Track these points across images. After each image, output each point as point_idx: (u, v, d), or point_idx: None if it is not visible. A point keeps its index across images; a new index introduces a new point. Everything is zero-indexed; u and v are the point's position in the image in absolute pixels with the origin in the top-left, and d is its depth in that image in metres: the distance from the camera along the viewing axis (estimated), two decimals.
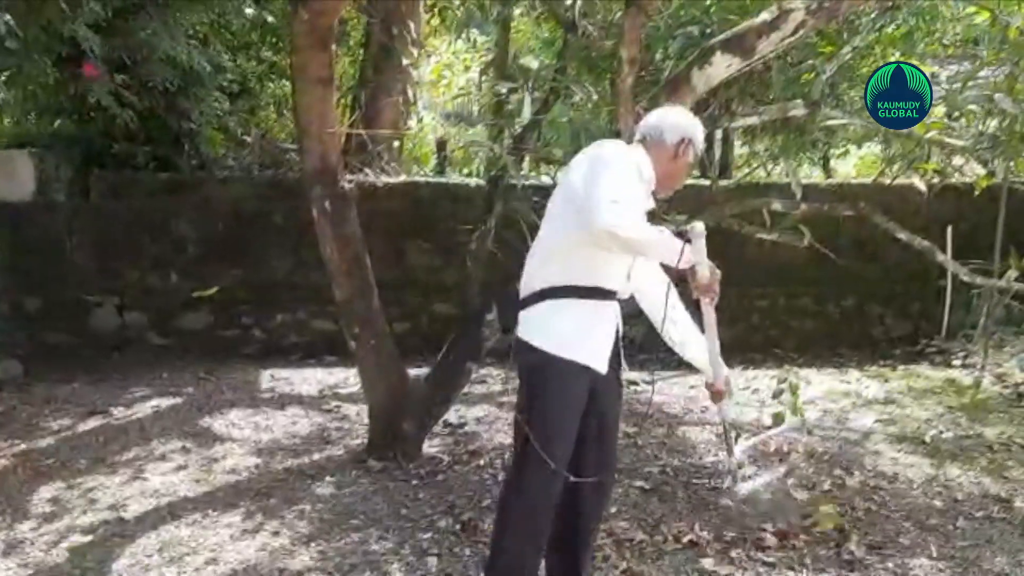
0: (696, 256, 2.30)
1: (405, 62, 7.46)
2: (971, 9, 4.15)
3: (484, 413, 4.98)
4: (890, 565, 3.12)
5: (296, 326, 6.52)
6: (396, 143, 7.69)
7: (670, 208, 4.35)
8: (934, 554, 3.22)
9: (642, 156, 2.48)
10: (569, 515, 2.63)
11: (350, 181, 4.06)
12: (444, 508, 3.61)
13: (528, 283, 2.51)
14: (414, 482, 3.89)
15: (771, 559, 3.16)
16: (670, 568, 3.09)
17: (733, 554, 3.20)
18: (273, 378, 5.77)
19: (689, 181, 7.49)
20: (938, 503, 3.72)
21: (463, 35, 9.24)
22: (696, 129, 2.58)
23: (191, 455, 4.24)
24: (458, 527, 3.40)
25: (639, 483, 3.89)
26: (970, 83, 4.14)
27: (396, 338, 4.20)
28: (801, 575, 3.05)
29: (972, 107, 4.16)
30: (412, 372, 4.28)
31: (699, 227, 2.28)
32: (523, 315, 2.50)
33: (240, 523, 3.45)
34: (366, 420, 4.30)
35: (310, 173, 3.85)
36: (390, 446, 4.09)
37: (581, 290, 2.44)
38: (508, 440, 4.46)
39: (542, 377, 2.45)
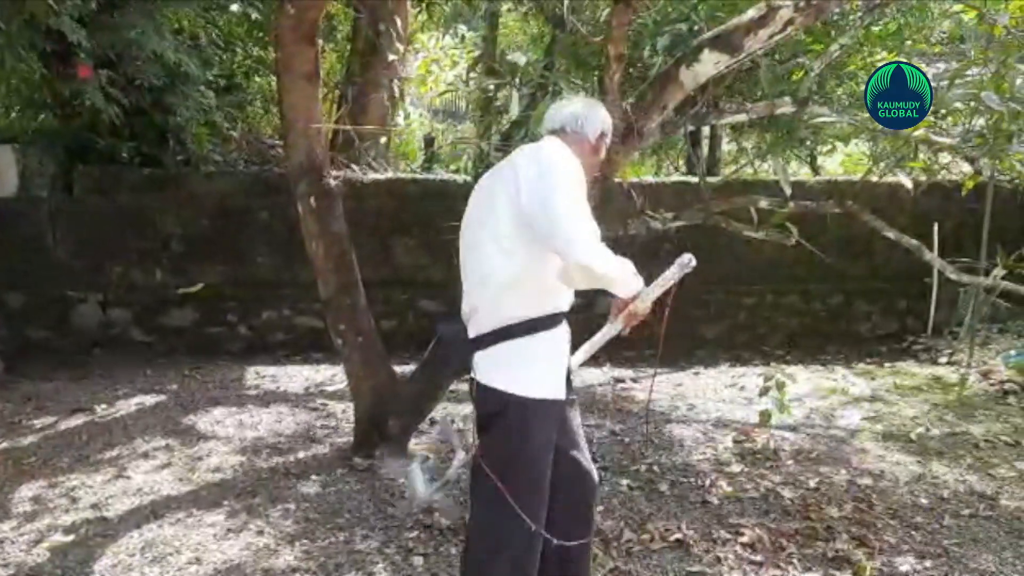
0: (654, 285, 2.25)
1: (392, 58, 7.42)
2: (958, 7, 4.15)
3: (470, 411, 4.93)
4: (877, 563, 3.12)
5: (282, 323, 6.48)
6: (383, 139, 7.65)
7: (658, 206, 4.35)
8: (920, 552, 3.23)
9: (572, 155, 2.25)
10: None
11: (336, 177, 4.03)
12: (430, 506, 3.58)
13: (482, 319, 2.27)
14: (400, 480, 3.86)
15: (758, 558, 3.16)
16: (657, 567, 3.08)
17: (720, 552, 3.20)
18: (258, 375, 5.73)
19: (677, 178, 7.53)
20: (924, 501, 3.73)
21: (451, 31, 9.23)
22: (611, 122, 2.49)
23: (175, 453, 4.20)
24: (445, 526, 3.38)
25: (626, 481, 3.88)
26: (957, 81, 4.15)
27: (382, 335, 4.17)
28: (788, 574, 3.05)
29: (959, 105, 4.17)
30: (398, 369, 4.26)
31: (688, 260, 2.23)
32: (482, 356, 2.27)
33: (224, 522, 3.42)
34: (352, 418, 4.27)
35: (296, 169, 3.82)
36: (376, 444, 4.06)
37: (545, 320, 2.27)
38: None
39: (521, 424, 2.24)
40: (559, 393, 2.29)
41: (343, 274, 3.94)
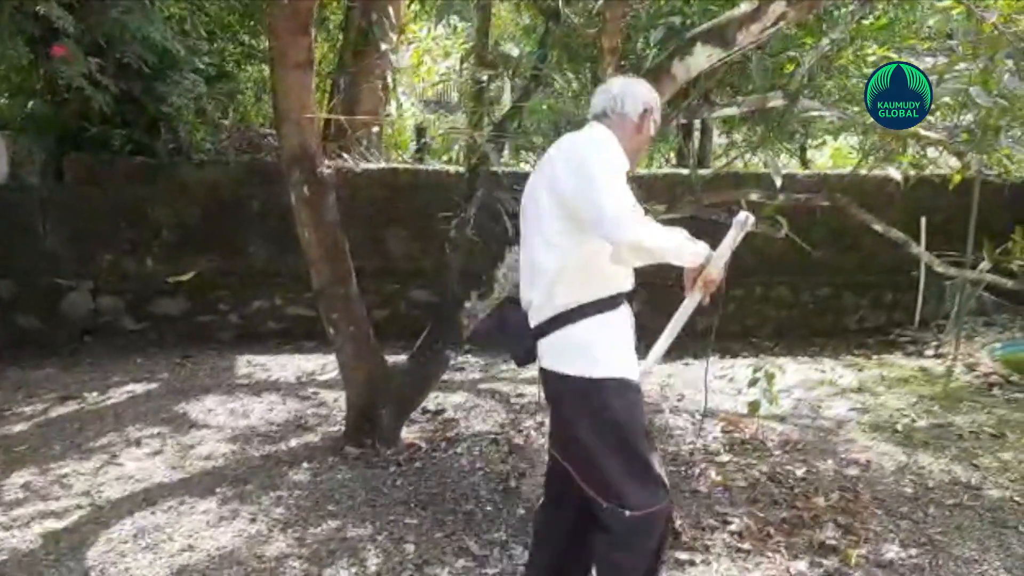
0: (722, 248, 2.24)
1: (384, 47, 7.41)
2: (947, 3, 4.17)
3: (463, 400, 4.99)
4: (862, 551, 3.17)
5: (273, 312, 6.48)
6: (375, 129, 7.64)
7: (649, 198, 4.37)
8: (905, 540, 3.28)
9: (611, 139, 2.29)
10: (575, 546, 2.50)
11: (329, 167, 4.04)
12: (422, 495, 3.62)
13: (539, 310, 2.30)
14: (392, 469, 3.90)
15: (746, 546, 3.20)
16: None
17: (708, 541, 3.24)
18: (250, 364, 5.74)
19: (668, 170, 7.54)
20: (909, 490, 3.78)
21: (443, 21, 9.20)
22: (655, 96, 2.47)
23: (167, 441, 4.22)
24: (437, 513, 3.41)
25: None
26: (946, 76, 4.18)
27: (374, 325, 4.19)
28: (775, 562, 3.09)
29: (947, 100, 4.20)
30: (390, 359, 4.28)
31: (746, 219, 2.22)
32: (544, 344, 2.30)
33: (216, 509, 3.44)
34: (343, 407, 4.30)
35: (288, 158, 3.82)
36: (368, 433, 4.09)
37: (600, 304, 2.27)
38: (486, 427, 4.49)
39: (601, 409, 2.23)
40: (628, 372, 2.29)
41: (335, 263, 3.95)
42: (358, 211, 6.03)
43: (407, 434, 4.28)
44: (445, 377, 4.69)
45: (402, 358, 4.26)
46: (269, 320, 6.48)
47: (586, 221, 2.13)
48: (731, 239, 2.28)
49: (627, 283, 2.36)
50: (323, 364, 5.67)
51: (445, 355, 4.15)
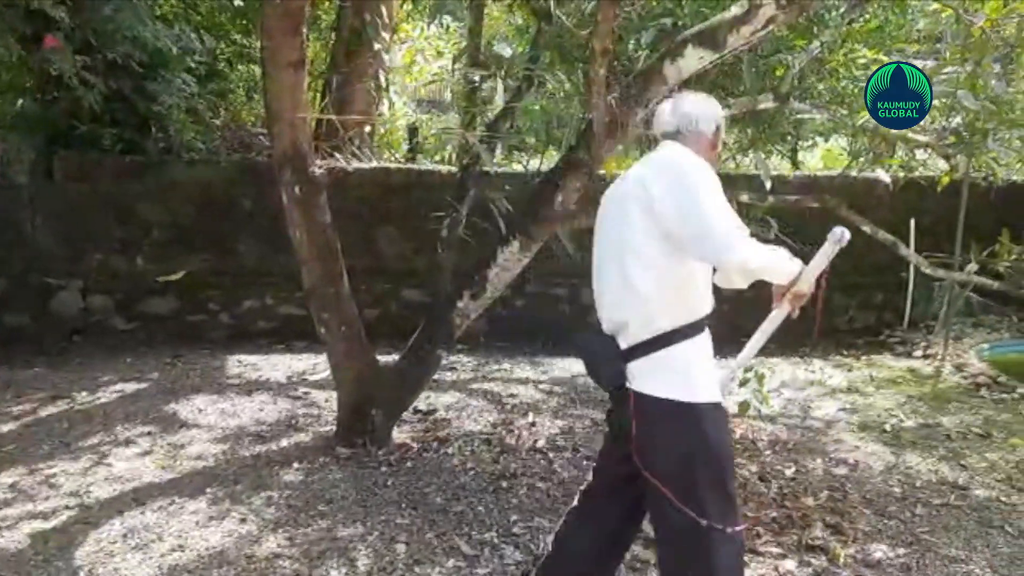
0: (815, 263, 2.23)
1: (377, 47, 7.40)
2: (936, 6, 4.21)
3: (454, 400, 4.99)
4: (851, 551, 3.19)
5: (264, 312, 6.47)
6: (367, 129, 7.63)
7: None
8: (893, 540, 3.30)
9: (695, 157, 2.25)
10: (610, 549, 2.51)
11: (320, 166, 4.03)
12: (413, 495, 3.62)
13: (632, 332, 2.24)
14: (383, 469, 3.90)
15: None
16: (637, 557, 3.13)
17: None
18: (240, 364, 5.73)
19: None
20: (897, 490, 3.81)
21: (436, 21, 9.19)
22: (722, 113, 2.47)
23: (156, 441, 4.21)
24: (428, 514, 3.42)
25: None
26: (934, 80, 4.21)
27: (366, 324, 4.19)
28: (764, 561, 3.11)
29: (936, 103, 4.23)
30: (382, 359, 4.28)
31: (842, 234, 2.20)
32: (637, 367, 2.24)
33: (206, 509, 3.44)
34: (335, 407, 4.29)
35: (280, 158, 3.82)
36: (359, 433, 4.09)
37: (693, 326, 2.25)
38: (477, 427, 4.50)
39: (692, 435, 2.20)
40: (716, 396, 2.27)
41: (327, 263, 3.95)
42: (350, 211, 6.02)
43: (398, 434, 4.28)
44: (436, 377, 4.70)
45: (394, 358, 4.26)
46: (260, 320, 6.47)
47: (690, 241, 2.10)
48: (825, 254, 2.25)
49: (711, 305, 2.36)
50: (314, 364, 5.67)
51: (437, 355, 4.15)
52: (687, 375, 2.22)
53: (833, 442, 4.42)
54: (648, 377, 2.22)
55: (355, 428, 4.10)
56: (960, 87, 3.78)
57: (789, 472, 3.96)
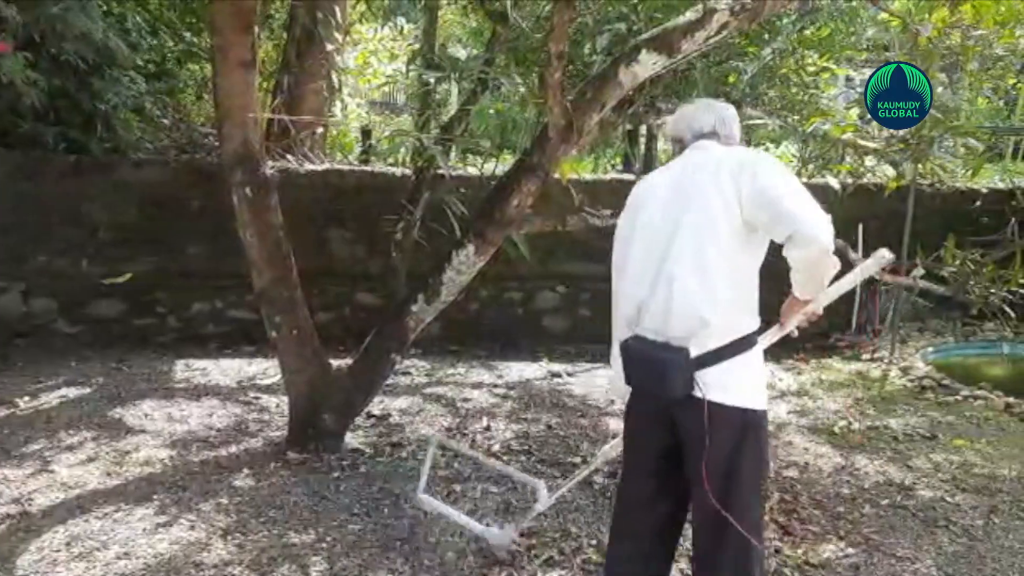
0: (849, 279, 2.26)
1: (330, 48, 7.33)
2: (884, 16, 4.30)
3: (408, 404, 4.95)
4: (799, 551, 3.23)
5: (214, 315, 6.35)
6: (319, 130, 7.55)
7: (596, 203, 4.40)
8: (842, 540, 3.35)
9: None
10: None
11: (272, 167, 3.97)
12: (366, 500, 3.58)
13: (709, 337, 2.15)
14: (335, 474, 3.84)
15: (688, 545, 3.23)
16: (586, 564, 3.13)
17: None
18: (189, 368, 5.61)
19: (614, 176, 7.59)
20: (846, 491, 3.87)
21: (389, 22, 9.14)
22: None
23: (101, 447, 4.09)
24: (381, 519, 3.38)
25: (561, 474, 3.93)
26: None
27: (318, 328, 4.13)
28: None
29: None
30: (334, 363, 4.22)
31: (883, 255, 2.22)
32: (711, 374, 2.14)
33: (153, 516, 3.35)
34: (286, 412, 4.23)
35: (230, 158, 3.75)
36: (311, 438, 4.03)
37: (757, 333, 2.24)
38: (431, 430, 4.46)
39: (760, 442, 2.19)
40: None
41: (278, 265, 3.88)
42: (302, 212, 5.94)
43: (351, 439, 4.23)
44: (390, 381, 4.65)
45: (347, 362, 4.20)
46: (209, 323, 6.35)
47: (776, 227, 2.08)
48: (860, 273, 2.27)
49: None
50: (265, 368, 5.58)
51: (390, 359, 4.11)
52: (753, 381, 2.20)
53: (784, 444, 4.48)
54: (724, 386, 2.15)
55: (307, 433, 4.04)
56: None
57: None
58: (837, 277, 2.29)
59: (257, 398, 4.98)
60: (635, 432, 2.43)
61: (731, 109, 2.46)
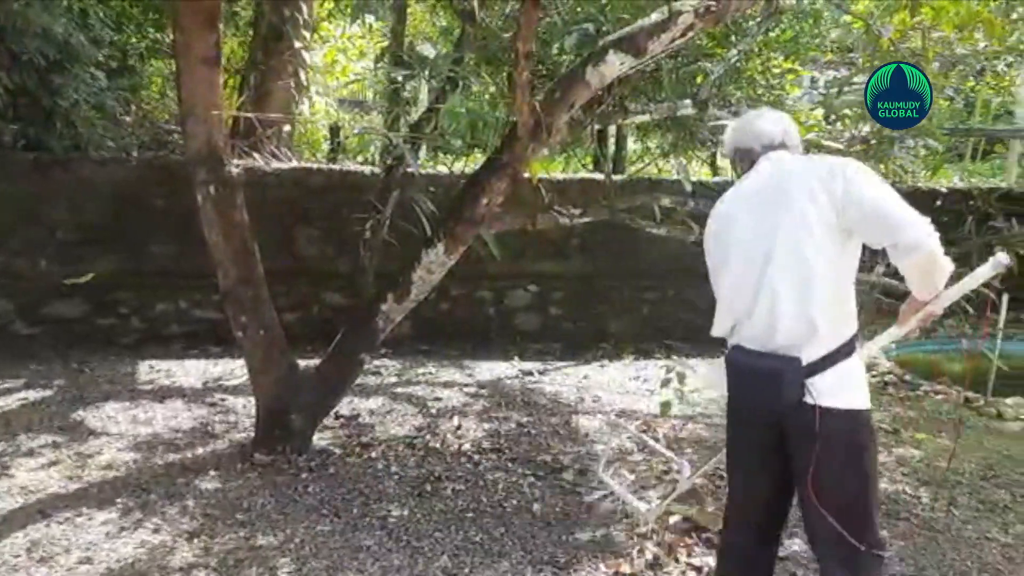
0: (966, 282, 2.22)
1: (297, 45, 7.27)
2: (848, 18, 4.36)
3: (378, 404, 4.92)
4: None
5: (178, 315, 6.26)
6: (287, 128, 7.49)
7: (565, 202, 4.42)
8: (802, 539, 3.38)
9: None
10: None
11: (237, 165, 3.93)
12: (335, 501, 3.56)
13: (820, 342, 2.14)
14: (303, 475, 3.81)
15: (661, 540, 3.25)
16: (560, 557, 3.14)
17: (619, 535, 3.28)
18: (152, 369, 5.53)
19: (583, 175, 7.63)
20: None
21: (358, 20, 9.08)
22: None
23: (62, 450, 4.02)
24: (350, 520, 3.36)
25: (531, 471, 3.94)
26: (845, 89, 4.36)
27: (285, 328, 4.09)
28: (682, 556, 3.16)
29: (847, 112, 4.39)
30: (302, 363, 4.18)
31: (1001, 260, 2.17)
32: (823, 380, 2.13)
33: (117, 520, 3.30)
34: (253, 413, 4.18)
35: (195, 156, 3.70)
36: (278, 439, 3.99)
37: (857, 334, 2.22)
38: (401, 431, 4.45)
39: (870, 441, 2.20)
40: None
41: (244, 265, 3.84)
42: (269, 211, 5.89)
43: (319, 440, 4.20)
44: (360, 381, 4.62)
45: (315, 362, 4.17)
46: (173, 323, 6.26)
47: (888, 227, 2.06)
48: (978, 277, 2.23)
49: None
50: (231, 369, 5.51)
51: (359, 359, 4.09)
52: (861, 382, 2.20)
53: None
54: (834, 390, 2.14)
55: (274, 434, 4.00)
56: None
57: (709, 468, 4.03)
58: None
59: (223, 399, 4.93)
60: (742, 446, 2.42)
61: (789, 118, 2.46)
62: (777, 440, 2.24)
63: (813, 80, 5.76)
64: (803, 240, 2.13)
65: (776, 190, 2.22)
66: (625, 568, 3.08)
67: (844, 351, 2.16)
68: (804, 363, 2.12)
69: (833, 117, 4.56)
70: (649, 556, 3.17)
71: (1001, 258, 2.22)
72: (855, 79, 4.45)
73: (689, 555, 3.19)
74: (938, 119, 4.56)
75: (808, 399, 2.11)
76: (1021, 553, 3.31)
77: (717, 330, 2.35)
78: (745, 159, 2.43)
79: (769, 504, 2.38)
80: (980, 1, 4.16)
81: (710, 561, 3.14)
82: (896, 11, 4.27)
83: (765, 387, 2.18)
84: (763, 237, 2.19)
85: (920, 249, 2.04)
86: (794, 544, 3.27)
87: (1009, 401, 5.15)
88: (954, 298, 2.28)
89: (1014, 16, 4.32)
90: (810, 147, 4.61)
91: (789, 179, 2.21)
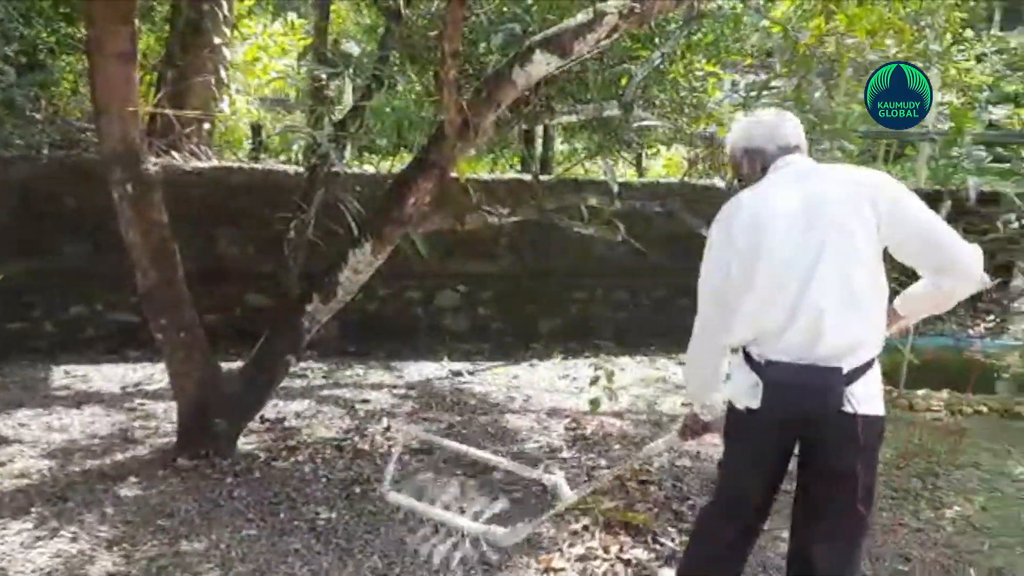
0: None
1: (217, 41, 7.10)
2: (767, 23, 4.49)
3: (304, 407, 4.85)
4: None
5: (94, 318, 6.04)
6: (206, 126, 7.30)
7: (494, 202, 4.43)
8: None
9: None
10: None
11: (155, 164, 3.82)
12: (261, 505, 3.49)
13: (864, 351, 2.15)
14: (228, 480, 3.73)
15: (588, 536, 3.29)
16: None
17: (549, 531, 3.31)
18: (68, 375, 5.33)
19: (511, 175, 7.67)
20: None
21: (280, 17, 8.94)
22: None
23: None
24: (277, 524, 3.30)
25: (462, 471, 3.94)
26: (764, 92, 4.50)
27: (207, 330, 4.00)
28: (611, 551, 3.20)
29: None
30: (225, 366, 4.09)
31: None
32: (860, 388, 2.14)
33: (32, 530, 3.17)
34: (174, 417, 4.07)
35: (110, 154, 3.58)
36: (202, 444, 3.89)
37: None
38: (329, 434, 4.41)
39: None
40: None
41: (163, 265, 3.74)
42: (189, 211, 5.70)
43: (245, 444, 4.11)
44: (285, 384, 4.54)
45: (239, 365, 4.09)
46: (89, 327, 6.03)
47: (932, 255, 2.13)
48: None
49: None
50: (151, 373, 5.35)
51: (284, 361, 4.02)
52: (880, 387, 2.23)
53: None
54: (870, 398, 2.16)
55: (197, 439, 3.90)
56: (787, 99, 4.05)
57: (636, 465, 4.10)
58: None
59: (143, 404, 4.78)
60: (757, 460, 2.40)
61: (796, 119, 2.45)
62: (791, 447, 2.30)
63: (734, 83, 5.92)
64: (849, 259, 2.11)
65: (821, 203, 2.15)
66: (556, 563, 3.11)
67: (871, 363, 2.19)
68: (845, 372, 2.12)
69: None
70: (581, 550, 3.20)
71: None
72: (773, 83, 4.59)
73: (620, 550, 3.23)
74: (852, 122, 4.73)
75: (848, 407, 2.12)
76: (931, 537, 3.47)
77: (739, 339, 2.28)
78: (756, 160, 2.35)
79: (760, 506, 2.45)
80: (890, 9, 4.33)
81: (638, 554, 3.20)
82: (812, 17, 4.42)
83: (807, 396, 2.15)
84: (806, 253, 2.12)
85: (974, 277, 2.13)
86: None
87: (920, 393, 5.38)
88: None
89: (922, 23, 4.51)
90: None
91: (831, 193, 2.17)
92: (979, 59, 8.26)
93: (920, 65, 3.79)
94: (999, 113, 8.44)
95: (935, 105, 6.86)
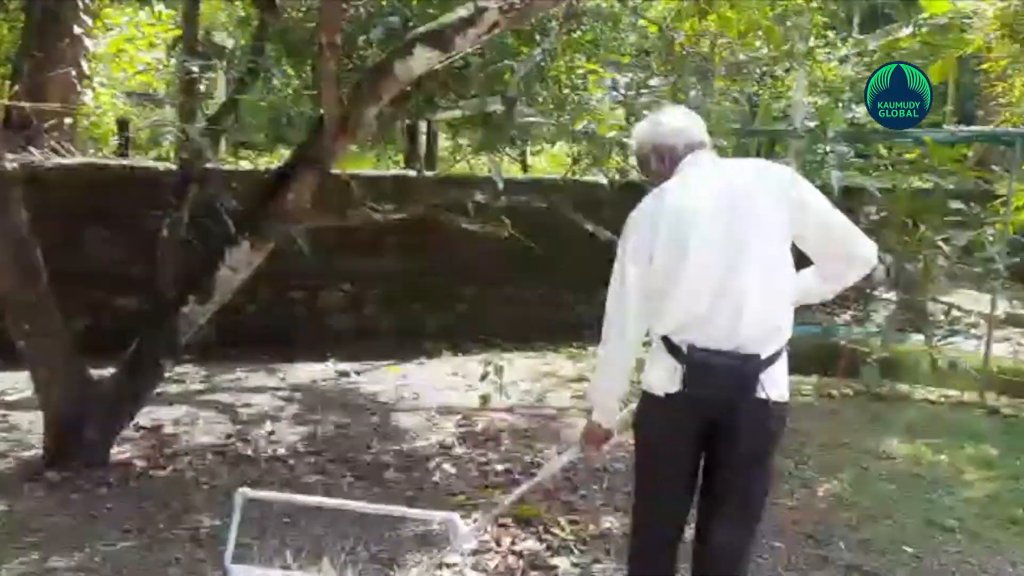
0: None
1: (77, 31, 6.71)
2: (644, 22, 4.62)
3: (182, 413, 4.66)
4: (580, 525, 3.39)
5: None
6: (69, 120, 6.89)
7: (378, 198, 4.38)
8: (619, 512, 3.56)
9: None
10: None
11: (12, 160, 3.58)
12: (139, 516, 3.33)
13: (779, 337, 2.21)
14: (102, 491, 3.54)
15: (483, 533, 3.30)
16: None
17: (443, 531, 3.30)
18: None
19: (396, 172, 7.60)
20: (622, 467, 4.11)
21: (145, 7, 8.54)
22: None
23: None
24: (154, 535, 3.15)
25: (352, 472, 3.88)
26: (642, 90, 4.63)
27: (75, 336, 3.79)
28: (504, 543, 3.22)
29: (646, 112, 4.64)
30: (95, 372, 3.89)
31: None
32: (771, 374, 2.18)
33: None
34: (41, 428, 3.83)
35: None
36: (71, 455, 3.68)
37: None
38: (209, 440, 4.26)
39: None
40: None
41: (24, 268, 3.52)
42: (51, 210, 5.36)
43: (119, 453, 3.91)
44: (161, 390, 4.35)
45: (110, 372, 3.88)
46: None
47: (836, 245, 2.23)
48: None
49: None
50: (13, 383, 5.00)
51: (159, 366, 3.86)
52: (786, 375, 2.28)
53: (566, 427, 4.70)
54: (779, 384, 2.23)
55: (66, 450, 3.69)
56: (665, 97, 4.18)
57: (527, 458, 4.14)
58: None
59: (6, 415, 4.51)
60: (674, 446, 2.40)
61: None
62: (707, 433, 2.31)
63: (614, 82, 6.06)
64: (771, 247, 2.20)
65: (742, 196, 2.22)
66: (449, 558, 3.10)
67: (783, 347, 2.26)
68: (763, 357, 2.18)
69: (633, 117, 4.81)
70: (474, 544, 3.20)
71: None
72: (651, 81, 4.72)
73: (512, 542, 3.26)
74: (724, 120, 4.93)
75: (761, 393, 2.18)
76: (804, 515, 3.65)
77: (662, 328, 2.30)
78: (665, 157, 2.39)
79: (685, 500, 2.44)
80: (759, 10, 4.53)
81: (530, 546, 3.23)
82: (687, 17, 4.57)
83: (733, 383, 2.20)
84: (732, 242, 2.19)
85: (870, 264, 2.27)
86: None
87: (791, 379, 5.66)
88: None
89: (788, 24, 4.74)
90: (613, 145, 4.86)
91: (748, 185, 2.25)
92: (842, 61, 8.74)
93: (788, 65, 4.01)
94: (860, 112, 8.96)
95: (802, 104, 7.23)
